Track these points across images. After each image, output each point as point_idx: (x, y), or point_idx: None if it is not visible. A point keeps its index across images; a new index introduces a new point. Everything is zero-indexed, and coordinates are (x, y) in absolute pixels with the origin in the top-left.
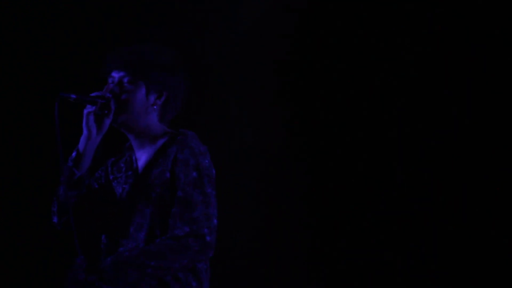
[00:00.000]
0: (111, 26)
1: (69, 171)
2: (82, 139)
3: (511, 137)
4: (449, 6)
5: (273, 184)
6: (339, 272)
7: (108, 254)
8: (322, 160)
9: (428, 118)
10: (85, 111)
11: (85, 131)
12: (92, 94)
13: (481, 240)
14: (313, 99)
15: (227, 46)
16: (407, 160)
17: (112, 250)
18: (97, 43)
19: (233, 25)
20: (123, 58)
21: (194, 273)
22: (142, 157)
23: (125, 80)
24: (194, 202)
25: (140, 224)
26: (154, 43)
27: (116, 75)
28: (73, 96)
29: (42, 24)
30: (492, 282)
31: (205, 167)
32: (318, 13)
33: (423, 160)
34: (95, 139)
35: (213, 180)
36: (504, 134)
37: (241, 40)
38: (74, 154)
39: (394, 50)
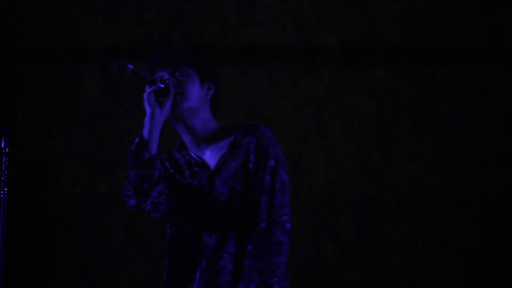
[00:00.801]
0: None
1: (135, 154)
2: (147, 120)
3: None
4: None
5: None
6: None
7: (213, 255)
8: None
9: None
10: (146, 93)
11: (148, 110)
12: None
13: None
14: None
15: None
16: None
17: (217, 251)
18: None
19: None
20: (169, 56)
21: None
22: (205, 152)
23: (177, 73)
24: (274, 190)
25: (228, 216)
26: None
27: (164, 72)
28: (131, 66)
29: None
30: None
31: (281, 155)
32: None
33: None
34: (159, 118)
35: (285, 166)
36: None
37: None
38: (137, 139)
39: None
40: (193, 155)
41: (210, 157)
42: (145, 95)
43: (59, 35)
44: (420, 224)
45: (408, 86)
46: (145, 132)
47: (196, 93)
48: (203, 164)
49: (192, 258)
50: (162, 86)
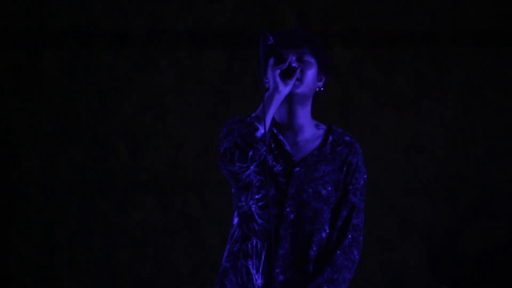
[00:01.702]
0: None
1: (250, 126)
2: (267, 96)
3: None
4: None
5: None
6: None
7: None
8: None
9: None
10: (272, 68)
11: (271, 86)
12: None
13: None
14: None
15: None
16: None
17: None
18: None
19: None
20: (302, 37)
21: None
22: (291, 140)
23: (304, 57)
24: (359, 209)
25: (311, 219)
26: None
27: (292, 52)
28: (272, 40)
29: None
30: None
31: (367, 176)
32: None
33: None
34: (280, 96)
35: None
36: None
37: None
38: (253, 114)
39: None
40: (280, 137)
41: (294, 146)
42: (270, 71)
43: (18, 16)
44: (380, 200)
45: (368, 64)
46: (261, 107)
47: (311, 82)
48: (285, 151)
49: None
50: (294, 65)
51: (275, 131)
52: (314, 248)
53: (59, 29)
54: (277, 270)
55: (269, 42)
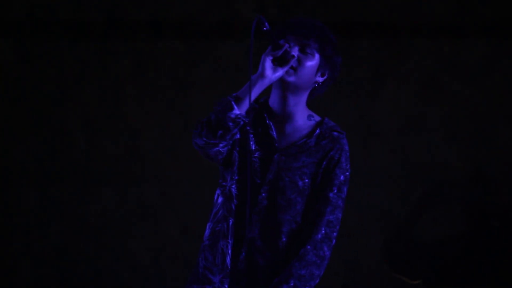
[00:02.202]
0: None
1: (226, 104)
2: (252, 78)
3: None
4: None
5: None
6: None
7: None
8: None
9: None
10: (265, 53)
11: (259, 70)
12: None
13: None
14: None
15: None
16: None
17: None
18: None
19: None
20: (311, 28)
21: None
22: (283, 128)
23: (307, 49)
24: (335, 206)
25: (284, 208)
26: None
27: (292, 40)
28: (267, 26)
29: None
30: None
31: (349, 173)
32: None
33: None
34: (263, 81)
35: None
36: None
37: None
38: (236, 93)
39: None
40: (267, 121)
41: (280, 133)
42: (263, 55)
43: None
44: None
45: None
46: (244, 88)
47: (307, 75)
48: (269, 136)
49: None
50: (293, 54)
51: (265, 115)
52: (284, 239)
53: (15, 18)
54: (243, 254)
55: (265, 28)
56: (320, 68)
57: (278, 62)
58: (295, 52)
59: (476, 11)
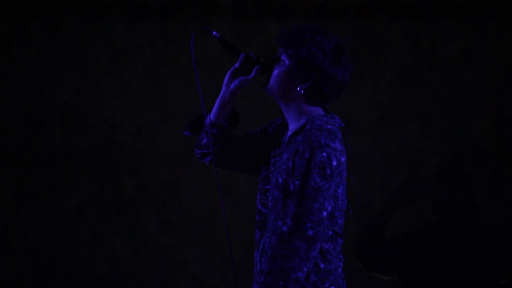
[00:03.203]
0: None
1: (201, 116)
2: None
3: None
4: None
5: None
6: None
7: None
8: None
9: None
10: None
11: (223, 84)
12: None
13: None
14: None
15: None
16: None
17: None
18: None
19: None
20: (284, 35)
21: (320, 254)
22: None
23: (283, 56)
24: (300, 196)
25: (273, 207)
26: (319, 27)
27: (280, 49)
28: (217, 34)
29: None
30: None
31: (320, 160)
32: None
33: None
34: (221, 92)
35: (329, 172)
36: None
37: None
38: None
39: None
40: (284, 130)
41: (283, 139)
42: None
43: None
44: None
45: None
46: (215, 104)
47: (281, 83)
48: (278, 143)
49: None
50: (238, 64)
51: (284, 122)
52: (273, 237)
53: None
54: (263, 259)
55: (216, 38)
56: (297, 75)
57: (244, 72)
58: (272, 60)
59: (453, 4)
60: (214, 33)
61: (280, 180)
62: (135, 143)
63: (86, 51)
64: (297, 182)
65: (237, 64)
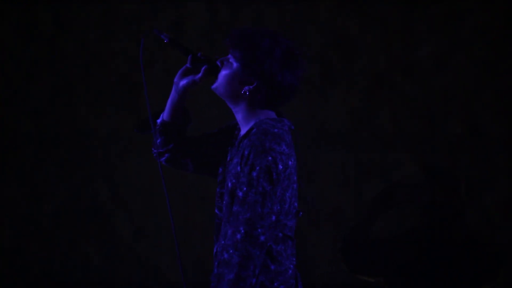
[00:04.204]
0: None
1: (155, 114)
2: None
3: None
4: None
5: None
6: None
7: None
8: None
9: None
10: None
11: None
12: (202, 56)
13: None
14: None
15: None
16: None
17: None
18: None
19: None
20: (233, 38)
21: (271, 256)
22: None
23: (230, 57)
24: (249, 203)
25: (224, 212)
26: (271, 30)
27: (230, 50)
28: (166, 36)
29: None
30: None
31: (265, 165)
32: None
33: None
34: (176, 93)
35: (276, 176)
36: None
37: None
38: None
39: None
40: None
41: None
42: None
43: None
44: None
45: None
46: (167, 103)
47: (227, 85)
48: (232, 146)
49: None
50: (206, 66)
51: (237, 124)
52: (222, 242)
53: None
54: (215, 263)
55: (166, 40)
56: (242, 77)
57: (193, 72)
58: (220, 61)
59: (425, 10)
60: (163, 35)
61: (229, 184)
62: (108, 150)
63: (58, 57)
64: (244, 188)
65: (188, 64)
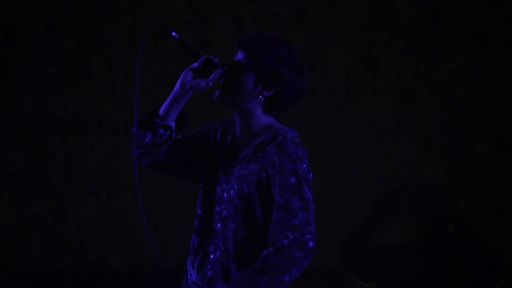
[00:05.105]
0: None
1: (148, 115)
2: (173, 91)
3: None
4: None
5: None
6: None
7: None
8: None
9: None
10: (189, 67)
11: (177, 83)
12: (211, 56)
13: None
14: None
15: None
16: None
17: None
18: None
19: None
20: (248, 42)
21: None
22: (243, 141)
23: (243, 61)
24: (295, 209)
25: (233, 216)
26: (281, 38)
27: (239, 54)
28: (177, 36)
29: None
30: None
31: (304, 172)
32: None
33: None
34: (176, 91)
35: (310, 184)
36: None
37: None
38: (157, 108)
39: None
40: (237, 137)
41: (239, 146)
42: (189, 67)
43: None
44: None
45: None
46: (166, 102)
47: (240, 90)
48: (236, 151)
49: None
50: (220, 70)
51: (231, 131)
52: (231, 247)
53: None
54: (208, 266)
55: (175, 40)
56: (260, 82)
57: (202, 75)
58: (222, 65)
59: (451, 24)
60: (173, 34)
61: (246, 190)
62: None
63: (83, 72)
64: (286, 195)
65: (195, 65)
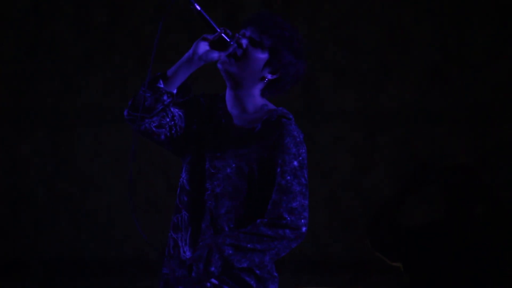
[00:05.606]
0: None
1: (153, 80)
2: (182, 58)
3: None
4: None
5: None
6: None
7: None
8: None
9: None
10: (201, 38)
11: (190, 51)
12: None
13: None
14: None
15: None
16: None
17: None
18: None
19: None
20: (267, 23)
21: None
22: (235, 118)
23: (258, 42)
24: (294, 192)
25: (231, 194)
26: (292, 25)
27: (249, 31)
28: (198, 7)
29: None
30: None
31: (304, 157)
32: None
33: None
34: (192, 61)
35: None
36: None
37: None
38: (160, 73)
39: None
40: (227, 112)
41: (233, 123)
42: (202, 36)
43: None
44: (344, 181)
45: (330, 45)
46: (173, 68)
47: (251, 69)
48: (226, 127)
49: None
50: (233, 43)
51: (220, 107)
52: (232, 226)
53: None
54: (201, 243)
55: (195, 11)
56: (269, 65)
57: (216, 47)
58: (244, 42)
59: (480, 2)
60: (195, 5)
61: (246, 169)
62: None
63: (113, 51)
64: (288, 177)
65: (210, 36)
